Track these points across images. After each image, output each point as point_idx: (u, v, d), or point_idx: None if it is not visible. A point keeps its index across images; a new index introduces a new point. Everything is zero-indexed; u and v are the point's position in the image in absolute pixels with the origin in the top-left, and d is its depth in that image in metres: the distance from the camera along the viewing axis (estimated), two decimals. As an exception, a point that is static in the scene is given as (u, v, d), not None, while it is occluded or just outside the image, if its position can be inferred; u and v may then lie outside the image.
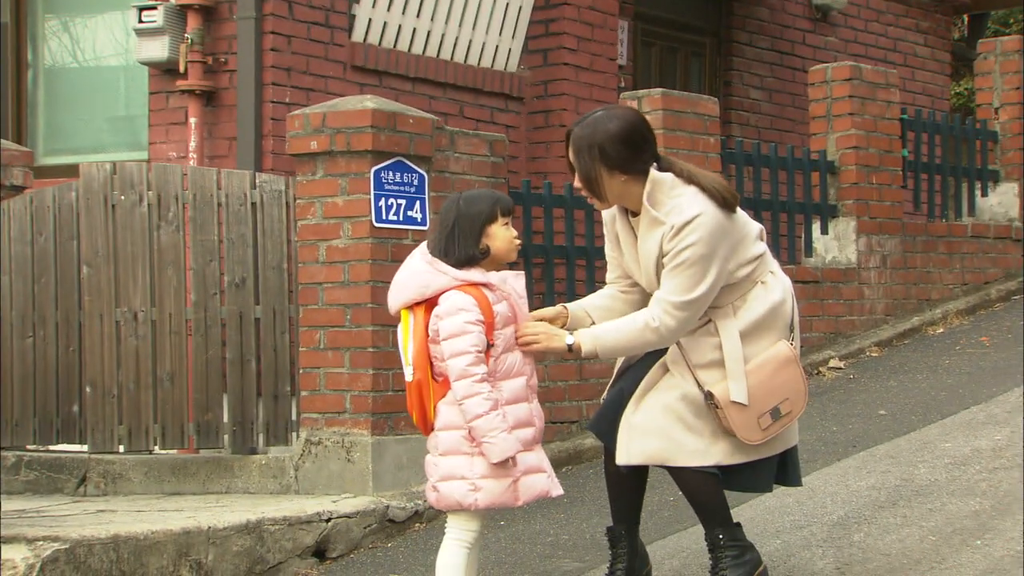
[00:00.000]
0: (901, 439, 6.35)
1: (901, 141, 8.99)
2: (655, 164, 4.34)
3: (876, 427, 6.64)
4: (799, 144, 9.32)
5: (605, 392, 4.59)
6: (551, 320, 4.41)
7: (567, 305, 4.53)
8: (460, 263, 4.24)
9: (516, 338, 4.26)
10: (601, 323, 4.41)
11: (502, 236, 4.29)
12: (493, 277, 4.27)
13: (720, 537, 4.36)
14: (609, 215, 4.51)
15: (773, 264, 4.49)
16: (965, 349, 8.18)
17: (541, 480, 4.28)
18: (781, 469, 4.53)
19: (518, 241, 4.36)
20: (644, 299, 4.46)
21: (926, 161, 9.36)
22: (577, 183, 4.39)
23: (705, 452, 4.32)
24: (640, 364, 4.47)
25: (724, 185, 4.36)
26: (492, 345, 4.21)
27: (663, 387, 4.37)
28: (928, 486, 5.56)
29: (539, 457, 4.30)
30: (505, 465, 4.18)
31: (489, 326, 4.20)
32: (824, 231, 8.62)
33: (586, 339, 4.31)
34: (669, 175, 4.32)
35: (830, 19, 11.60)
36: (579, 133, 4.32)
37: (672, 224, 4.24)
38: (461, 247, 4.25)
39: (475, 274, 4.25)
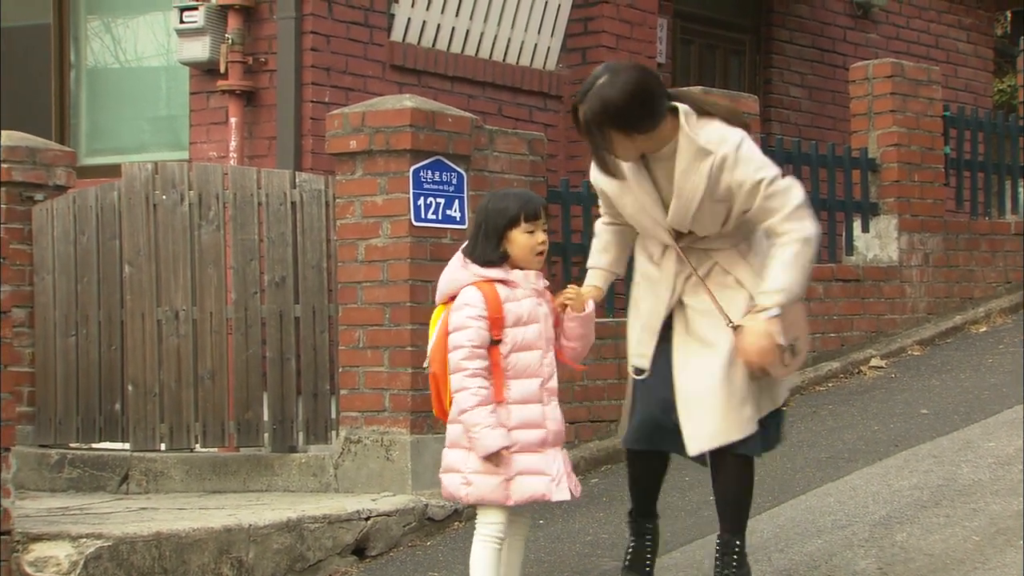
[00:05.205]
0: (944, 438, 6.30)
1: (943, 138, 8.92)
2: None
3: (918, 426, 6.59)
4: (840, 142, 9.26)
5: (633, 407, 4.46)
6: (588, 297, 4.35)
7: (597, 284, 4.51)
8: (483, 264, 4.26)
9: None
10: (764, 280, 4.22)
11: (521, 243, 4.23)
12: (516, 275, 4.26)
13: (737, 544, 4.37)
14: (615, 188, 4.37)
15: None
16: (1008, 348, 8.10)
17: (539, 483, 4.23)
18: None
19: (543, 247, 4.27)
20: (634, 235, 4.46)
21: (968, 158, 9.28)
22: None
23: (753, 417, 4.28)
24: (661, 364, 4.38)
25: (739, 112, 4.31)
26: (499, 342, 4.20)
27: (702, 361, 4.28)
28: (971, 486, 5.52)
29: (544, 460, 4.24)
30: (497, 462, 4.17)
31: (495, 322, 4.19)
32: (865, 229, 8.56)
33: (773, 299, 4.17)
34: (687, 107, 4.19)
35: (871, 16, 11.51)
36: (588, 112, 4.14)
37: (724, 154, 4.14)
38: (482, 248, 4.25)
39: (495, 271, 4.25)
